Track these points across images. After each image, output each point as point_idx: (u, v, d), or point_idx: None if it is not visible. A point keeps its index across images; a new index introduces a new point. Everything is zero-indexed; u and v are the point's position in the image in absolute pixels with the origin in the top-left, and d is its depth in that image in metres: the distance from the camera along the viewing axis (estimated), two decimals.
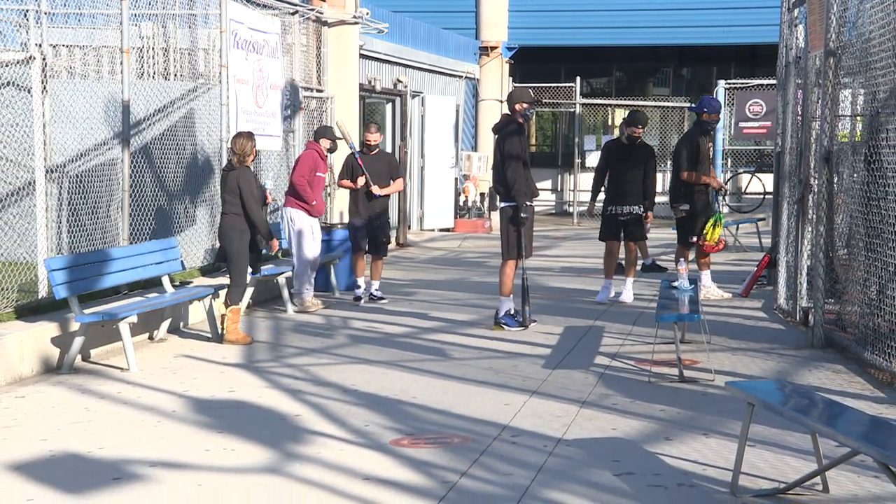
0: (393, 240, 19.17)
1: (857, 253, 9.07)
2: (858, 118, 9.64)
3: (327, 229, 13.33)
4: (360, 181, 12.39)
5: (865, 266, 8.78)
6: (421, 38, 21.06)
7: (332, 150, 12.30)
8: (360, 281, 12.51)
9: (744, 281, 13.10)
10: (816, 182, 9.94)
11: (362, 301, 12.38)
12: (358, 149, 12.85)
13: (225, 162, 11.10)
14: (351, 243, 12.74)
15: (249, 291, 11.74)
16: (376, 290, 12.56)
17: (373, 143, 12.53)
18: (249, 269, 10.38)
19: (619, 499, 5.52)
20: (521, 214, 10.48)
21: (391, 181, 12.63)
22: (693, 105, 13.04)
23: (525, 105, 10.66)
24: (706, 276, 12.69)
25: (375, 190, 12.37)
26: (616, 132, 15.64)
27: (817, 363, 8.98)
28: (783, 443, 6.48)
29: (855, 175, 9.36)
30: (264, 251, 10.68)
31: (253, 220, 10.05)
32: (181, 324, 10.74)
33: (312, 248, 11.89)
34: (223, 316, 9.93)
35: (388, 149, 19.73)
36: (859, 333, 8.89)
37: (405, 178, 19.48)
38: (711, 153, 12.91)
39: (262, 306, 12.17)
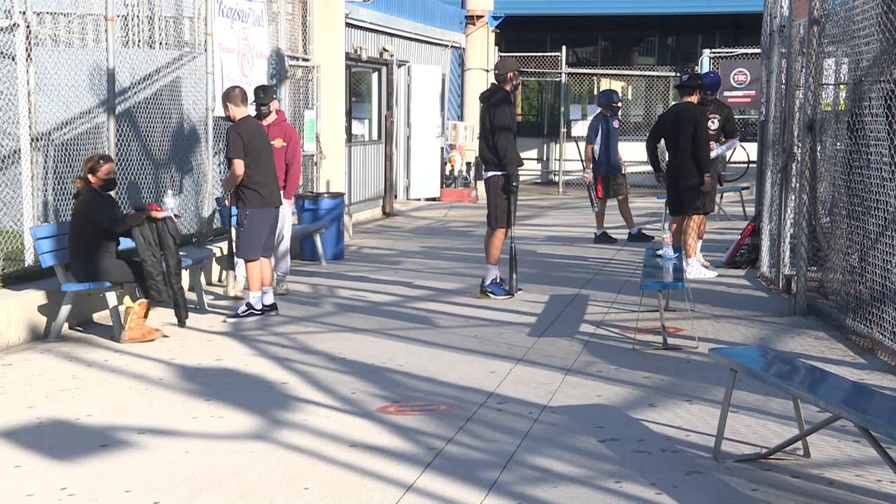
0: (379, 209, 19.23)
1: (840, 221, 9.12)
2: (842, 86, 9.67)
3: (313, 198, 13.40)
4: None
5: (847, 234, 8.83)
6: (407, 6, 20.97)
7: (260, 115, 10.78)
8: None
9: (727, 249, 13.15)
10: (800, 150, 9.99)
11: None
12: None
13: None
14: None
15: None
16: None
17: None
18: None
19: (604, 464, 5.58)
20: (513, 183, 10.50)
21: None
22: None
23: (515, 74, 10.69)
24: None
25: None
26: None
27: (799, 330, 9.05)
28: (765, 409, 6.56)
29: (838, 143, 9.40)
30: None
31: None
32: None
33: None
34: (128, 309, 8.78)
35: (374, 119, 19.69)
36: (841, 300, 8.96)
37: (391, 146, 19.45)
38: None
39: None
